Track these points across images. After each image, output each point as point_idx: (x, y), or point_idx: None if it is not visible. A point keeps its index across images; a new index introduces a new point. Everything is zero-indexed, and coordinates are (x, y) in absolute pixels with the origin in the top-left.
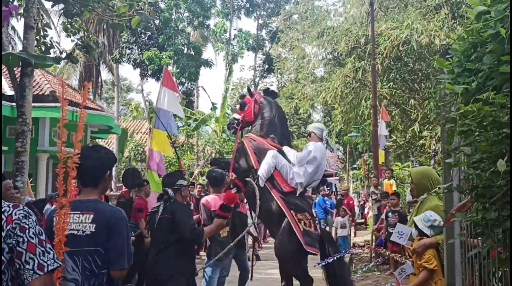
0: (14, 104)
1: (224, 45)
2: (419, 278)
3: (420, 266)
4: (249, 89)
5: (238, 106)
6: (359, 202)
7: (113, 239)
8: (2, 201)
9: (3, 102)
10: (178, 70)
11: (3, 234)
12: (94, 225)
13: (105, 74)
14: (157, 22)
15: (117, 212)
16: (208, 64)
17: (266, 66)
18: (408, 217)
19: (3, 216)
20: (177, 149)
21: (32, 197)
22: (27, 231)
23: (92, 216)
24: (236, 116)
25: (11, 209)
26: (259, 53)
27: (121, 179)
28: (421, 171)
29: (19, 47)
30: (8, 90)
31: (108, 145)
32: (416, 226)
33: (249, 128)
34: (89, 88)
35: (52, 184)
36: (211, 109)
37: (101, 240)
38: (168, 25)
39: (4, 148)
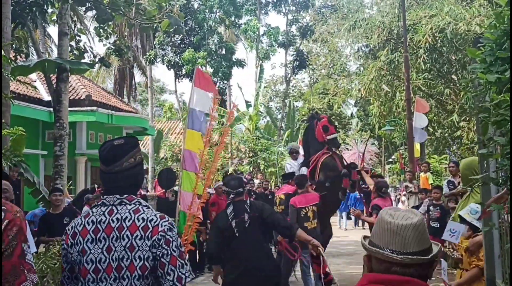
0: (51, 109)
1: (254, 43)
2: (469, 274)
3: (472, 262)
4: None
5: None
6: (396, 196)
7: None
8: (151, 211)
9: (41, 107)
10: (212, 70)
11: (149, 242)
12: None
13: (138, 77)
14: (190, 22)
15: None
16: (240, 64)
17: (297, 62)
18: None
19: (149, 226)
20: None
21: (69, 199)
22: (171, 244)
23: None
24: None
25: (158, 219)
26: (290, 50)
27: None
28: (467, 163)
29: (55, 53)
30: (45, 96)
31: (143, 146)
32: (463, 221)
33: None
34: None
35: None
36: (246, 107)
37: None
38: (202, 25)
39: (43, 152)
